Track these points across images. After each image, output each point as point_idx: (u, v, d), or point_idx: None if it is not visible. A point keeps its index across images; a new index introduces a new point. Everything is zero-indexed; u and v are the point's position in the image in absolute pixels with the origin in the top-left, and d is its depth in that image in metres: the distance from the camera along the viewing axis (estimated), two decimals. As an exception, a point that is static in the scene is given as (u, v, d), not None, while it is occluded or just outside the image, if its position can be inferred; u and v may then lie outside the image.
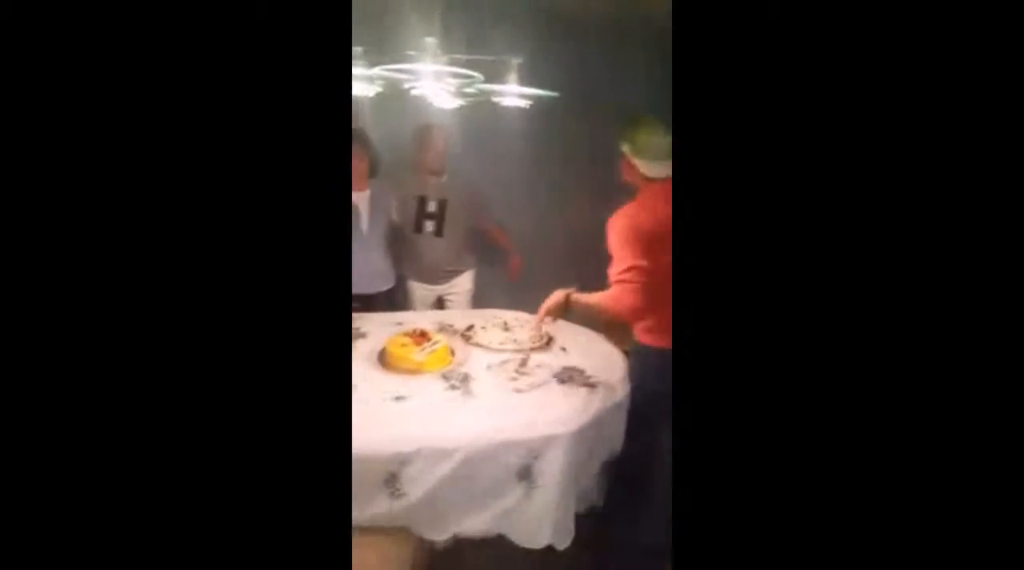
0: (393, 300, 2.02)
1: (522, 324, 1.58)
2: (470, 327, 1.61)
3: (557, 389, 1.29)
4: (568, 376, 1.36)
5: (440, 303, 2.11)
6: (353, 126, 1.86)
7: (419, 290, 2.10)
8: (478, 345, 1.50)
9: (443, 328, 1.64)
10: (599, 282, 1.29)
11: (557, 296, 1.38)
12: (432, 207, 1.96)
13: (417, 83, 1.29)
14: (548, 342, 1.54)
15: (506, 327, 1.58)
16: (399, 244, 2.02)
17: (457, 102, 1.37)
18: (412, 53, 1.23)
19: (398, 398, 1.21)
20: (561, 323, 1.70)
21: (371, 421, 1.12)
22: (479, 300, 2.15)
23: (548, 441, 1.10)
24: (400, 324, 1.64)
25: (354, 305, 1.82)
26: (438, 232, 1.96)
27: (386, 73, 1.20)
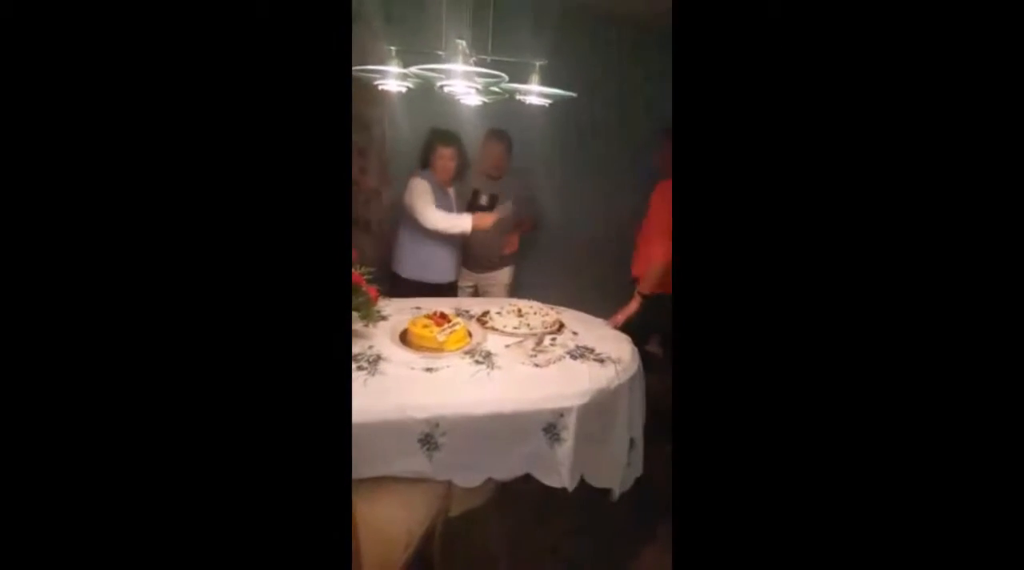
0: (455, 293, 2.16)
1: (535, 311, 1.69)
2: (485, 313, 1.71)
3: (572, 364, 1.40)
4: (581, 353, 1.46)
5: (476, 292, 2.23)
6: (447, 129, 1.98)
7: (462, 277, 2.22)
8: (493, 329, 1.60)
9: (459, 313, 1.73)
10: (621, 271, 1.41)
11: (633, 305, 1.75)
12: (484, 200, 2.10)
13: (447, 81, 1.40)
14: (560, 327, 1.65)
15: (520, 313, 1.68)
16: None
17: (482, 99, 1.49)
18: (441, 53, 1.35)
19: (428, 369, 1.30)
20: (576, 314, 1.82)
21: (406, 388, 1.21)
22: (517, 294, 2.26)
23: (570, 404, 1.20)
24: (418, 308, 1.73)
25: (428, 292, 1.97)
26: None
27: (419, 71, 1.31)
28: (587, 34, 2.46)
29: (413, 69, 1.30)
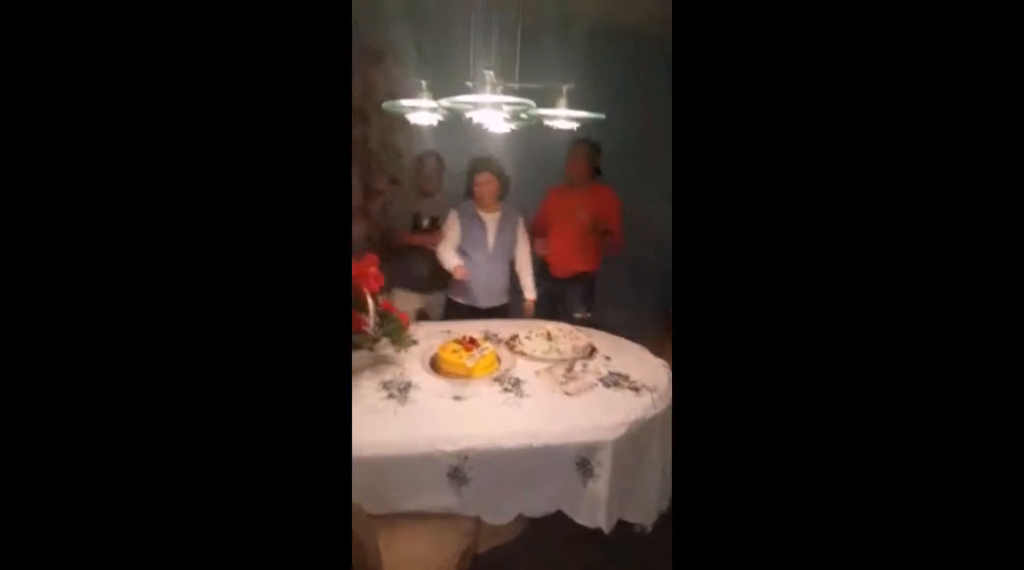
0: (506, 314, 2.15)
1: (565, 334, 1.64)
2: (514, 337, 1.67)
3: (605, 392, 1.34)
4: (614, 381, 1.41)
5: (422, 313, 2.21)
6: (483, 154, 2.04)
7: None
8: (523, 354, 1.56)
9: (488, 337, 1.70)
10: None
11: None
12: (426, 223, 2.11)
13: (475, 112, 1.40)
14: (592, 352, 1.60)
15: (549, 337, 1.64)
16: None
17: (511, 126, 1.48)
18: (470, 84, 1.35)
19: (456, 398, 1.28)
20: (603, 334, 1.77)
21: (433, 419, 1.19)
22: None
23: (604, 437, 1.15)
24: (449, 332, 1.72)
25: (473, 316, 2.02)
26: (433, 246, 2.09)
27: (449, 104, 1.32)
28: (616, 54, 2.43)
29: (443, 102, 1.30)
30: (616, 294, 2.55)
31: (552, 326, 1.72)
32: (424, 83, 1.29)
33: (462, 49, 1.36)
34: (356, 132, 2.42)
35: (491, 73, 1.30)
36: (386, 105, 1.32)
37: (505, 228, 2.06)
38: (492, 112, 1.30)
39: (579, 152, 2.12)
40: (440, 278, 2.11)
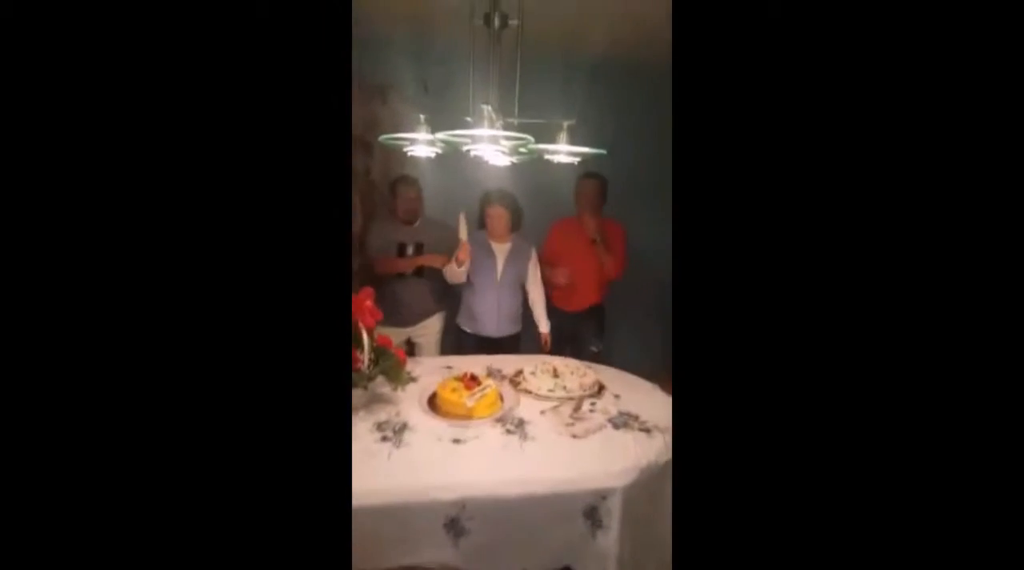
0: (516, 345, 2.11)
1: (572, 370, 1.57)
2: (518, 372, 1.60)
3: (614, 434, 1.26)
4: (624, 422, 1.33)
5: (409, 344, 2.16)
6: (496, 187, 2.05)
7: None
8: (527, 392, 1.49)
9: (491, 373, 1.63)
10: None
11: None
12: (410, 250, 2.08)
13: (474, 146, 1.39)
14: (600, 389, 1.52)
15: (555, 373, 1.56)
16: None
17: (510, 160, 1.46)
18: (469, 119, 1.34)
19: (455, 441, 1.20)
20: (611, 370, 1.69)
21: (429, 464, 1.11)
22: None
23: (613, 484, 1.07)
24: (450, 368, 1.65)
25: (482, 348, 1.99)
26: (418, 273, 2.06)
27: (447, 137, 1.31)
28: (617, 90, 2.45)
29: (440, 135, 1.29)
30: (624, 328, 2.48)
31: (558, 361, 1.65)
32: (423, 117, 1.28)
33: (464, 84, 1.36)
34: (358, 162, 2.43)
35: (488, 108, 1.30)
36: (383, 138, 1.32)
37: (516, 259, 2.04)
38: (489, 146, 1.29)
39: (590, 187, 2.09)
40: (432, 302, 2.09)
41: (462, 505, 1.01)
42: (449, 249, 1.96)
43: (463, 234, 1.86)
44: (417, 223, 2.08)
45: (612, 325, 2.29)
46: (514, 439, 1.22)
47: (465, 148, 1.44)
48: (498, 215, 1.98)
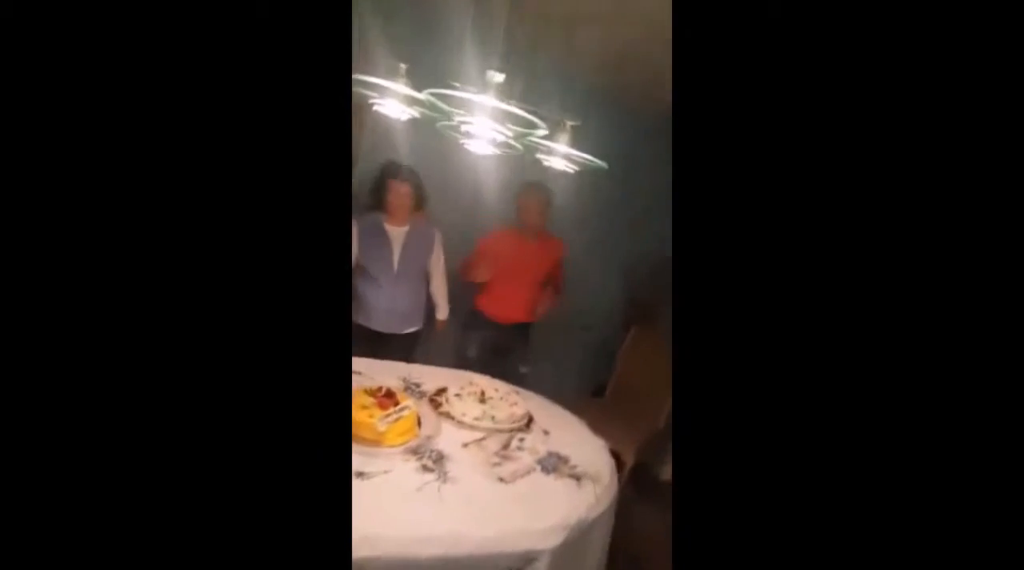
0: (414, 344, 1.85)
1: (501, 396, 1.41)
2: (441, 391, 1.41)
3: (544, 481, 1.12)
4: (553, 465, 1.19)
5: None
6: (394, 156, 1.74)
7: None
8: (450, 417, 1.30)
9: (408, 387, 1.42)
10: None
11: None
12: None
13: (468, 118, 1.15)
14: (528, 422, 1.37)
15: (482, 398, 1.39)
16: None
17: (493, 150, 1.24)
18: (457, 85, 1.10)
19: (359, 474, 0.98)
20: (542, 403, 1.56)
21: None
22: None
23: (542, 545, 0.92)
24: (359, 373, 1.41)
25: (368, 346, 1.69)
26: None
27: (433, 99, 1.06)
28: (616, 103, 2.32)
29: (426, 93, 1.04)
30: (545, 350, 2.38)
31: (486, 383, 1.48)
32: (403, 67, 1.00)
33: (454, 52, 1.12)
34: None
35: (498, 76, 1.06)
36: (355, 79, 1.01)
37: (415, 243, 1.79)
38: (488, 123, 1.05)
39: (537, 198, 1.92)
40: None
41: (360, 566, 0.80)
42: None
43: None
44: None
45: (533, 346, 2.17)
46: (431, 479, 1.02)
47: (456, 119, 1.19)
48: (403, 193, 1.70)
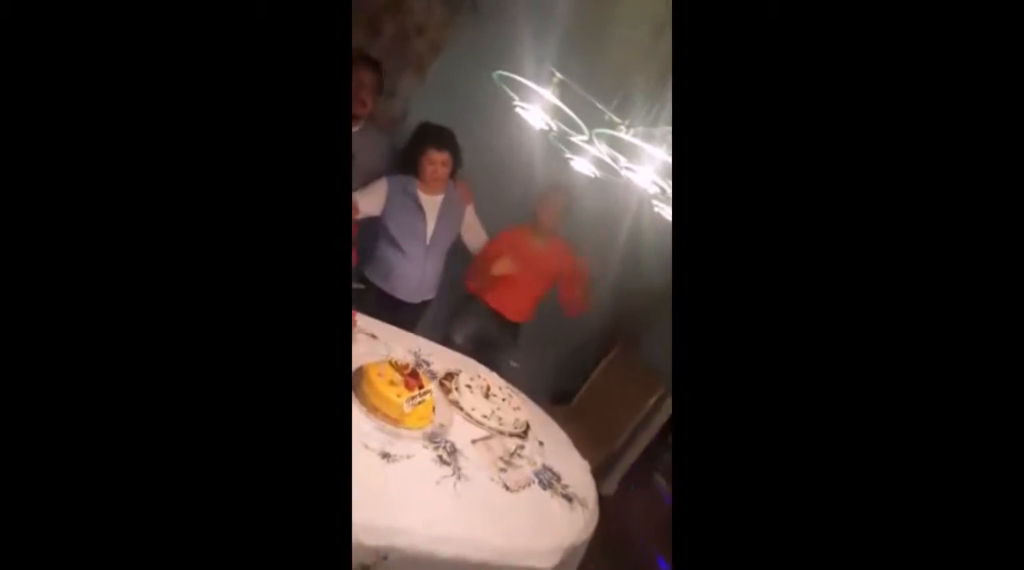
0: (422, 313, 1.82)
1: (505, 397, 1.43)
2: (450, 376, 1.41)
3: (541, 496, 1.17)
4: (548, 481, 1.24)
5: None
6: (436, 123, 1.64)
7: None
8: (459, 407, 1.31)
9: (419, 364, 1.41)
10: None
11: None
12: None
13: (524, 105, 1.15)
14: (526, 430, 1.41)
15: (488, 394, 1.41)
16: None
17: (595, 173, 1.23)
18: (516, 77, 1.07)
19: (384, 455, 0.97)
20: (533, 409, 1.59)
21: (355, 485, 0.87)
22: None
23: (539, 567, 0.97)
24: (374, 337, 1.38)
25: (377, 307, 1.62)
26: None
27: (499, 80, 1.05)
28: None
29: (495, 74, 1.03)
30: (529, 349, 2.41)
31: (493, 379, 1.50)
32: (558, 76, 0.96)
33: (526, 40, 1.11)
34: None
35: (559, 78, 1.05)
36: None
37: (448, 214, 1.73)
38: (541, 115, 1.07)
39: (558, 202, 1.90)
40: None
41: (383, 555, 0.81)
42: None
43: (366, 206, 1.54)
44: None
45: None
46: (447, 473, 1.04)
47: (514, 103, 1.17)
48: (442, 161, 1.62)
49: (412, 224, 1.68)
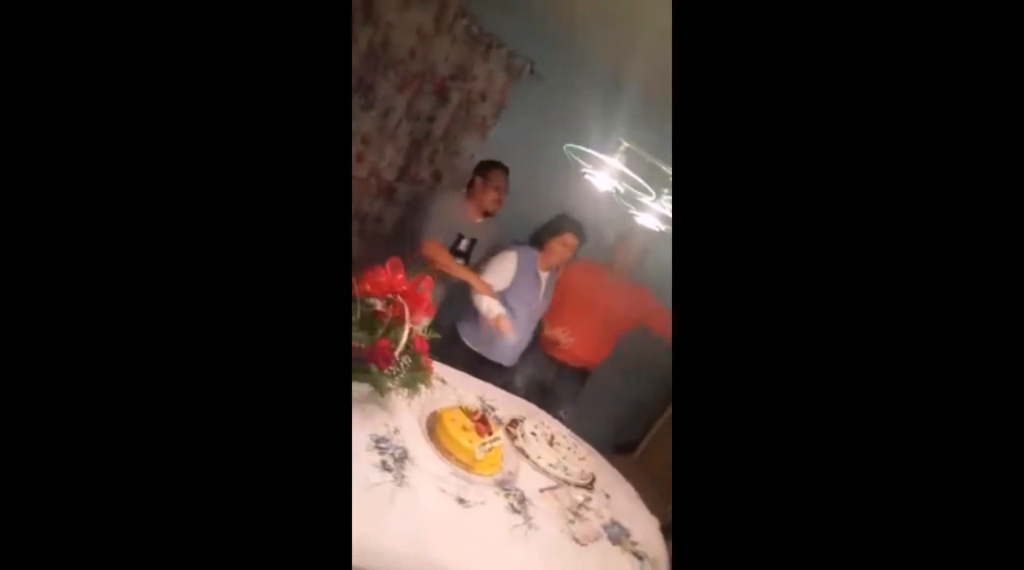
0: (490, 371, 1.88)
1: (569, 447, 1.44)
2: (515, 422, 1.44)
3: (611, 551, 1.15)
4: (617, 537, 1.22)
5: None
6: (570, 214, 1.80)
7: None
8: (525, 455, 1.33)
9: (486, 410, 1.45)
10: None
11: None
12: (464, 246, 1.86)
13: (593, 171, 1.23)
14: (592, 481, 1.40)
15: (552, 442, 1.42)
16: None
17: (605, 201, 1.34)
18: (584, 149, 1.16)
19: (460, 501, 1.01)
20: (593, 454, 1.58)
21: (435, 531, 0.91)
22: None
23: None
24: (444, 382, 1.44)
25: (471, 363, 1.74)
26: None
27: (569, 152, 1.14)
28: None
29: (565, 146, 1.13)
30: (591, 396, 2.40)
31: (556, 429, 1.51)
32: (625, 145, 1.07)
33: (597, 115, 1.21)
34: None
35: (626, 146, 1.14)
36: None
37: (550, 289, 1.89)
38: (605, 179, 1.15)
39: (635, 245, 1.94)
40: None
41: (462, 601, 0.83)
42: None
43: (499, 281, 1.64)
44: (488, 221, 1.84)
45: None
46: (519, 522, 1.05)
47: (582, 170, 1.27)
48: (570, 247, 1.78)
49: (529, 297, 1.81)
